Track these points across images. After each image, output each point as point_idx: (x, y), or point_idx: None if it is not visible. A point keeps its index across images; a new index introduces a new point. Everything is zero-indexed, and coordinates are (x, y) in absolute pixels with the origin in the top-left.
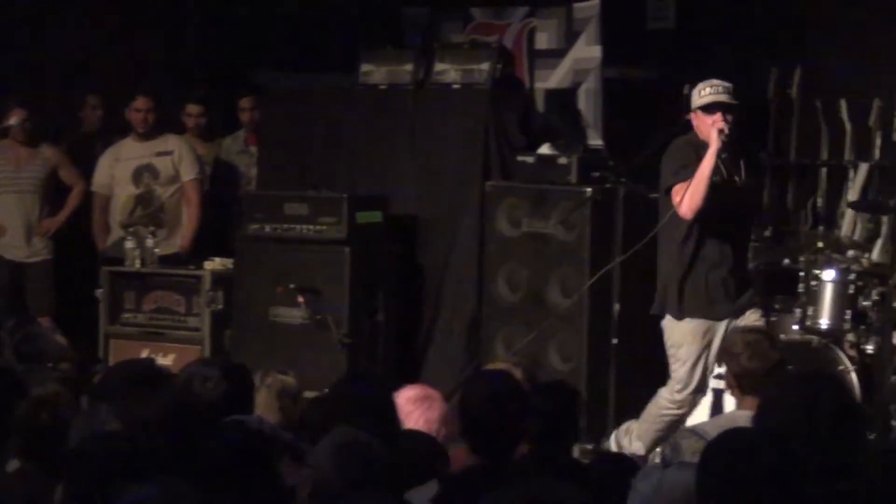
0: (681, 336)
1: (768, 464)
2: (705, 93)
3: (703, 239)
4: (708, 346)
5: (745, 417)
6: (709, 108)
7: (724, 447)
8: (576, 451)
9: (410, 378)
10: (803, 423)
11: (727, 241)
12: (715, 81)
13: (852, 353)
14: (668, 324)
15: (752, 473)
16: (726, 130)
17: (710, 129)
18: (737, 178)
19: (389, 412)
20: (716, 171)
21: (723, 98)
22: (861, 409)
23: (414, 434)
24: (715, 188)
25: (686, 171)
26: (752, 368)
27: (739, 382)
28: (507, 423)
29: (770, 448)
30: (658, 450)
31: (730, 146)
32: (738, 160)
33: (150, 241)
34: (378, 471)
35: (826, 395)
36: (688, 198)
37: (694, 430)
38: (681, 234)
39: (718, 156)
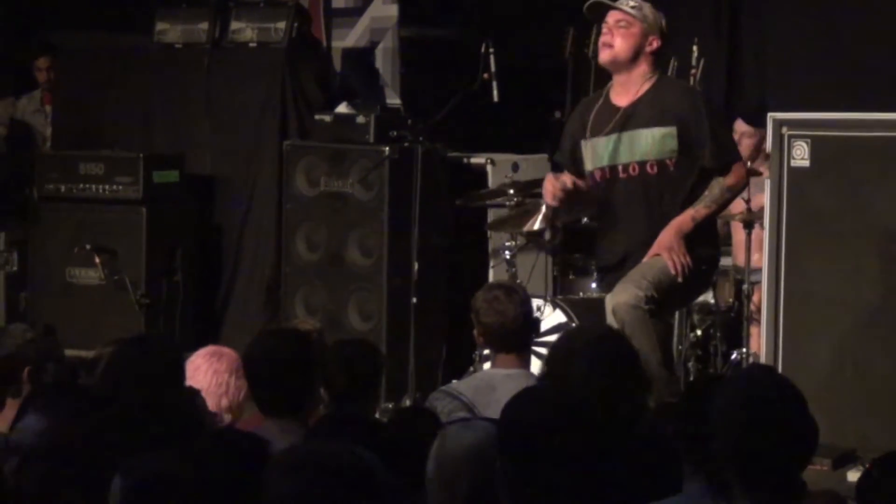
0: None
1: (565, 420)
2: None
3: None
4: None
5: (501, 377)
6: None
7: (524, 405)
8: (378, 412)
9: (210, 338)
10: (591, 377)
11: None
12: None
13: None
14: None
15: (550, 427)
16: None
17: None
18: None
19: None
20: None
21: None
22: (637, 359)
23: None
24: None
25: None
26: (491, 324)
27: (486, 340)
28: (288, 384)
29: (565, 406)
30: None
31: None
32: None
33: None
34: None
35: (611, 349)
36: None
37: (448, 392)
38: None
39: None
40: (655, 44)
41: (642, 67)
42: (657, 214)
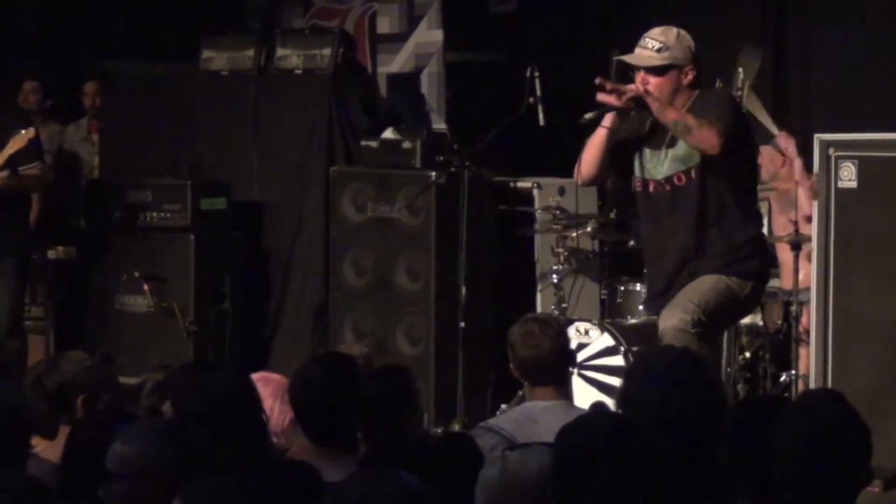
0: None
1: (623, 449)
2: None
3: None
4: None
5: (539, 409)
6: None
7: (580, 430)
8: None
9: (259, 365)
10: (666, 400)
11: None
12: (654, 31)
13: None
14: None
15: (606, 456)
16: (626, 94)
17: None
18: None
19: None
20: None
21: (628, 58)
22: (718, 389)
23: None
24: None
25: None
26: (527, 358)
27: (522, 374)
28: (334, 411)
29: (624, 434)
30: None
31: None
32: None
33: None
34: None
35: (686, 370)
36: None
37: (489, 428)
38: None
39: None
40: (691, 75)
41: (682, 99)
42: (696, 232)
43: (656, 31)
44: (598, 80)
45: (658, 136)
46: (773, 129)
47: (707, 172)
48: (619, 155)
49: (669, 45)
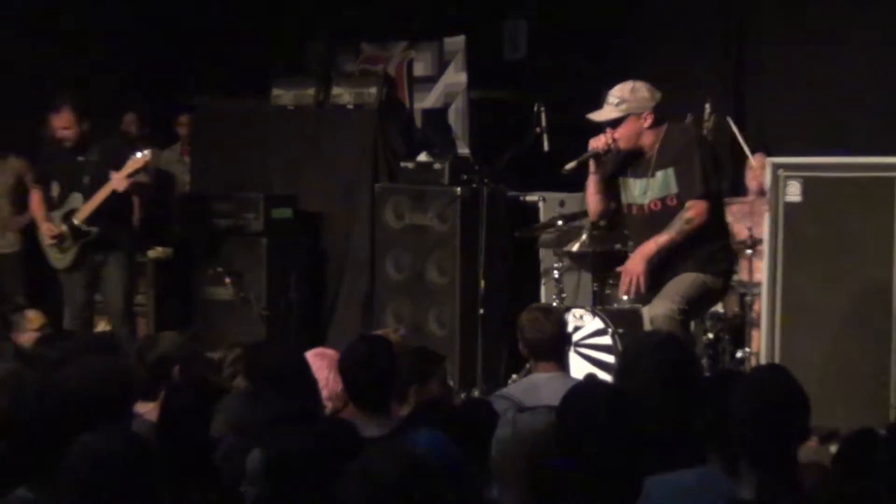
0: None
1: (615, 412)
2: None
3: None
4: None
5: (542, 379)
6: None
7: (581, 396)
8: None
9: (316, 343)
10: (656, 372)
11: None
12: (613, 90)
13: None
14: None
15: (602, 418)
16: (596, 148)
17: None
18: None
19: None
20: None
21: (592, 116)
22: (697, 365)
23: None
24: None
25: None
26: (533, 339)
27: (528, 351)
28: (372, 379)
29: (618, 400)
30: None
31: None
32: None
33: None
34: None
35: (672, 350)
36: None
37: (502, 395)
38: None
39: (604, 157)
40: (650, 118)
41: (649, 136)
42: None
43: (616, 89)
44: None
45: (640, 168)
46: (747, 150)
47: (673, 201)
48: (613, 187)
49: (625, 98)
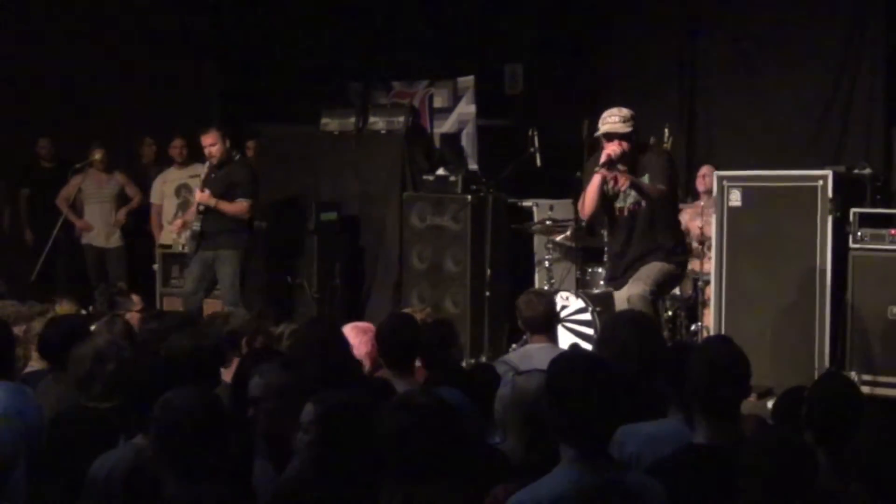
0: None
1: (595, 376)
2: (602, 123)
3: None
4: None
5: (535, 349)
6: (605, 136)
7: (570, 362)
8: (463, 364)
9: (357, 319)
10: (631, 340)
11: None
12: (613, 111)
13: None
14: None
15: (582, 378)
16: (613, 156)
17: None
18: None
19: (337, 341)
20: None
21: (607, 128)
22: (661, 336)
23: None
24: (606, 196)
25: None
26: (528, 316)
27: (524, 327)
28: (400, 346)
29: (595, 365)
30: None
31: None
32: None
33: (187, 233)
34: None
35: (643, 323)
36: (581, 204)
37: (503, 361)
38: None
39: (608, 169)
40: (635, 138)
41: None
42: (647, 238)
43: (615, 110)
44: (596, 170)
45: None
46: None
47: (652, 204)
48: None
49: (627, 118)
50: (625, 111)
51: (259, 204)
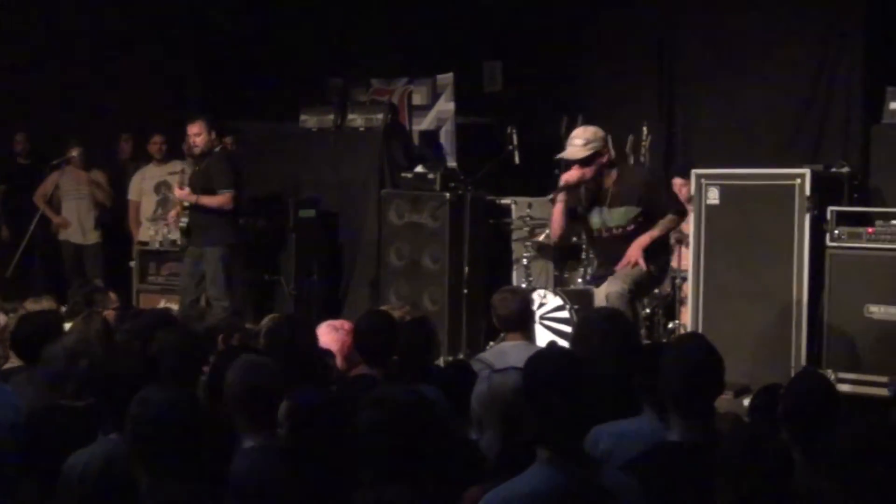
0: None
1: (570, 374)
2: (567, 145)
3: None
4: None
5: (510, 346)
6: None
7: (541, 359)
8: (441, 362)
9: (334, 316)
10: (606, 338)
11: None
12: (577, 132)
13: None
14: None
15: (557, 376)
16: (570, 182)
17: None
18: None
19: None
20: (577, 201)
21: (565, 155)
22: (637, 335)
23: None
24: (575, 214)
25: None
26: (502, 314)
27: (499, 325)
28: (377, 343)
29: (570, 362)
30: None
31: (589, 182)
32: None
33: (164, 230)
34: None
35: (618, 322)
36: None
37: (479, 359)
38: None
39: (577, 189)
40: (608, 156)
41: (609, 175)
42: (628, 245)
43: (579, 131)
44: (549, 198)
45: (601, 201)
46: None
47: (638, 225)
48: (575, 215)
49: (590, 139)
50: (589, 131)
51: (242, 196)
